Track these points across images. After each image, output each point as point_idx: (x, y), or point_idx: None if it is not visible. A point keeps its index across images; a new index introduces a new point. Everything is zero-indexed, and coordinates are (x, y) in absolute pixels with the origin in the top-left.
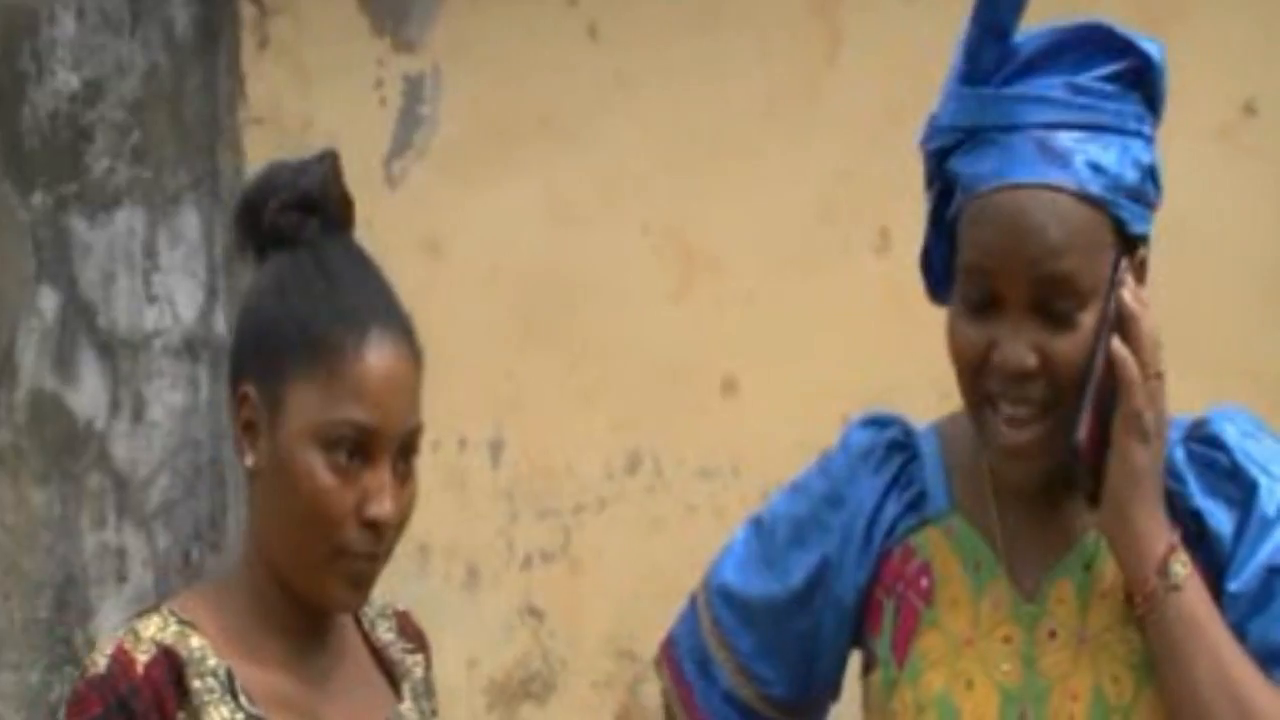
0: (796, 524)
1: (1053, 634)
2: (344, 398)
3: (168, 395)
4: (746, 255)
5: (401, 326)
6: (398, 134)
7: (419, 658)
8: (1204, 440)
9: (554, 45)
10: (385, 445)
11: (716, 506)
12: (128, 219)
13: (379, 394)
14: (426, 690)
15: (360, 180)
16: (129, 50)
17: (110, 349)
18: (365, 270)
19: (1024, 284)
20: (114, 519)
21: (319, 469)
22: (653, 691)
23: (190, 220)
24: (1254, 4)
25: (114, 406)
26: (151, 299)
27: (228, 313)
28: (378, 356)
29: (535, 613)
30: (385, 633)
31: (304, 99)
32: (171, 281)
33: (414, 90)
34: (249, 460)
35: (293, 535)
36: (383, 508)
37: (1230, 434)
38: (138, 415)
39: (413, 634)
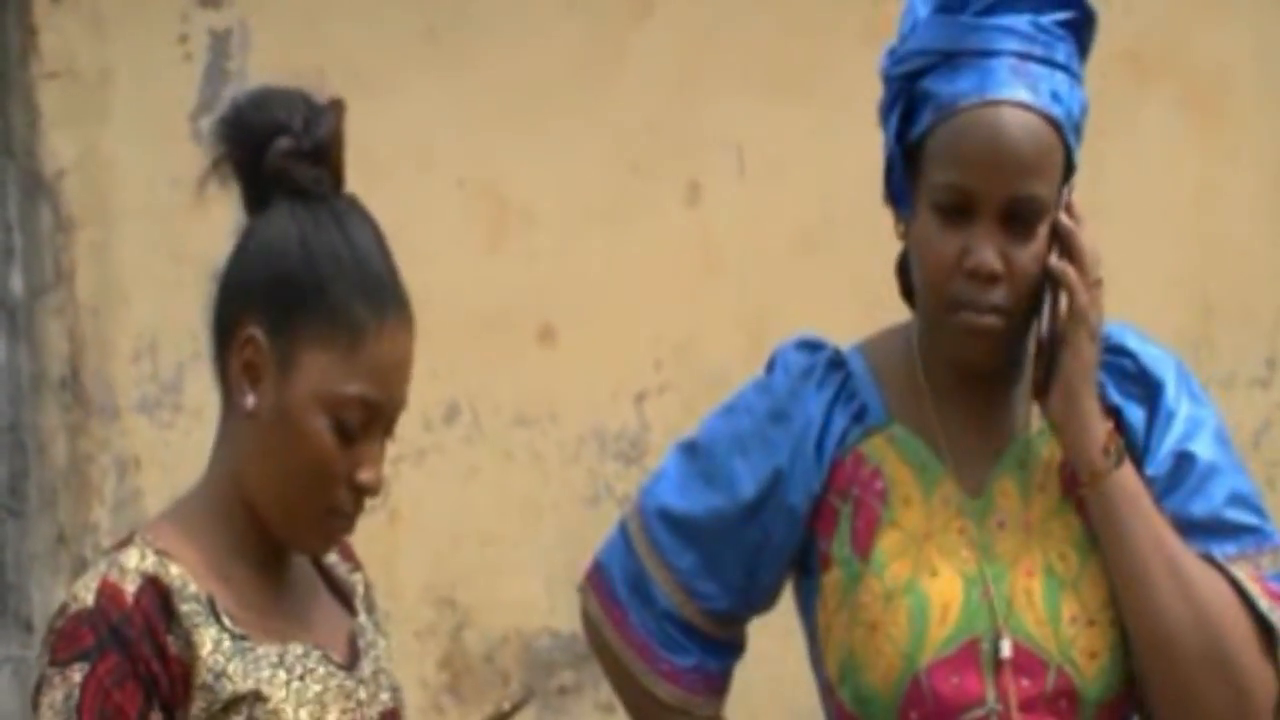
0: (739, 441)
1: (1001, 524)
2: (359, 374)
3: None
4: (559, 208)
5: (408, 304)
6: (204, 90)
7: (358, 576)
8: (1112, 350)
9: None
10: (383, 418)
11: (534, 453)
12: None
13: (390, 374)
14: (369, 605)
15: (166, 136)
16: None
17: None
18: (381, 242)
19: (999, 195)
20: None
21: (325, 433)
22: (474, 638)
23: None
24: None
25: None
26: None
27: (24, 272)
28: (393, 340)
29: None
30: (329, 555)
31: (102, 53)
32: None
33: (220, 45)
34: (249, 402)
35: (287, 487)
36: (373, 475)
37: (1132, 342)
38: None
39: (349, 555)
